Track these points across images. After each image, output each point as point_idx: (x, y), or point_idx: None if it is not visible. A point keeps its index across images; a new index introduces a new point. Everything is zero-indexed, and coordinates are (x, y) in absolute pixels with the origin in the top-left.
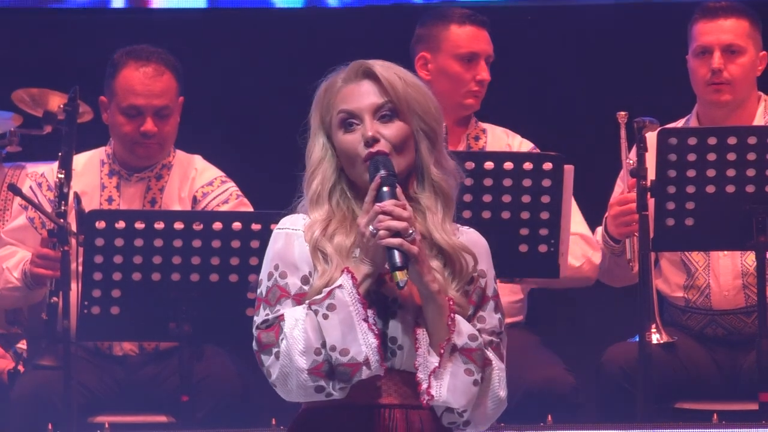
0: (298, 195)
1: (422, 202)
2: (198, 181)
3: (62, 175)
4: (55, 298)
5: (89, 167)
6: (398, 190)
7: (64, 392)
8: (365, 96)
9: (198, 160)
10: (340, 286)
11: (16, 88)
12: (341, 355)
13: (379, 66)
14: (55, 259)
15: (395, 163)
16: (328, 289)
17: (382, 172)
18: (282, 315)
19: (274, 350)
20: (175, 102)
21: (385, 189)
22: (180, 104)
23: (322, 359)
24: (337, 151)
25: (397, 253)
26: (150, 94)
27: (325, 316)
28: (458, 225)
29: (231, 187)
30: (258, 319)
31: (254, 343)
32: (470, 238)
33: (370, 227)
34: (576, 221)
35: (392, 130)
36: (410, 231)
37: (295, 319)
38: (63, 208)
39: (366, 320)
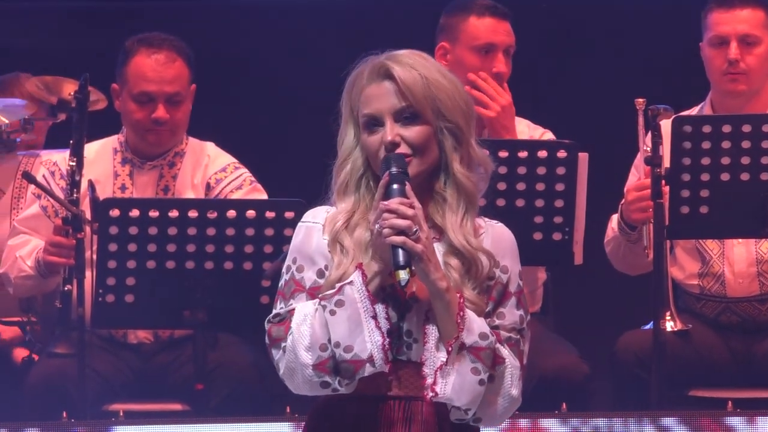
0: (328, 182)
1: (447, 200)
2: (211, 168)
3: (73, 163)
4: (68, 286)
5: (102, 155)
6: (407, 187)
7: (79, 380)
8: (385, 99)
9: (210, 147)
10: (350, 283)
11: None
12: (345, 351)
13: (400, 66)
14: (68, 247)
15: (417, 165)
16: (338, 285)
17: (393, 170)
18: (293, 310)
19: (282, 345)
20: (187, 89)
21: (394, 186)
22: (192, 92)
23: (327, 355)
24: (363, 147)
25: (400, 252)
26: (161, 81)
27: (333, 312)
28: (484, 219)
29: (244, 173)
30: (272, 313)
31: (266, 337)
32: (496, 232)
33: (377, 225)
34: None
35: (413, 132)
36: (414, 229)
37: (304, 315)
38: (75, 195)
39: (374, 317)
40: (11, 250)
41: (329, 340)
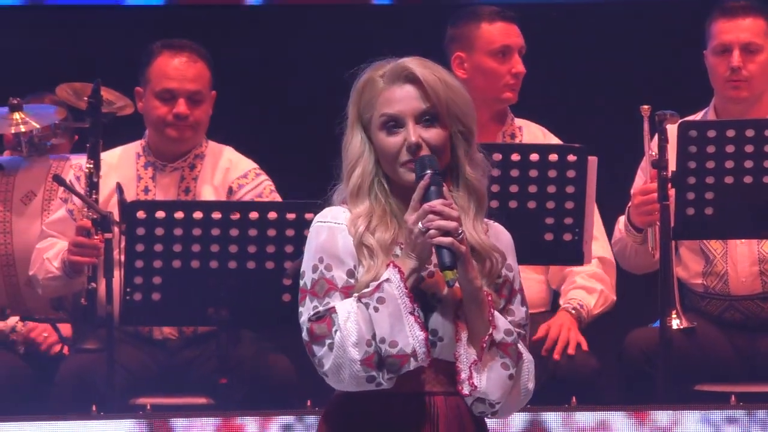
0: (333, 183)
1: (457, 201)
2: (233, 173)
3: (91, 165)
4: (93, 284)
5: (125, 160)
6: (445, 189)
7: (107, 375)
8: (408, 101)
9: (230, 151)
10: (388, 280)
11: (60, 83)
12: (390, 347)
13: (422, 69)
14: (90, 247)
15: None
16: (376, 283)
17: (429, 172)
18: (333, 307)
19: (327, 342)
20: (208, 90)
21: (433, 188)
22: (212, 98)
23: (373, 350)
24: (376, 149)
25: (446, 253)
26: (183, 79)
27: (376, 309)
28: (485, 219)
29: (265, 180)
30: (307, 311)
31: (305, 334)
32: (495, 231)
33: (419, 225)
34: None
35: (433, 134)
36: (460, 231)
37: (348, 312)
38: (94, 196)
39: (412, 313)
40: (39, 253)
41: (373, 336)
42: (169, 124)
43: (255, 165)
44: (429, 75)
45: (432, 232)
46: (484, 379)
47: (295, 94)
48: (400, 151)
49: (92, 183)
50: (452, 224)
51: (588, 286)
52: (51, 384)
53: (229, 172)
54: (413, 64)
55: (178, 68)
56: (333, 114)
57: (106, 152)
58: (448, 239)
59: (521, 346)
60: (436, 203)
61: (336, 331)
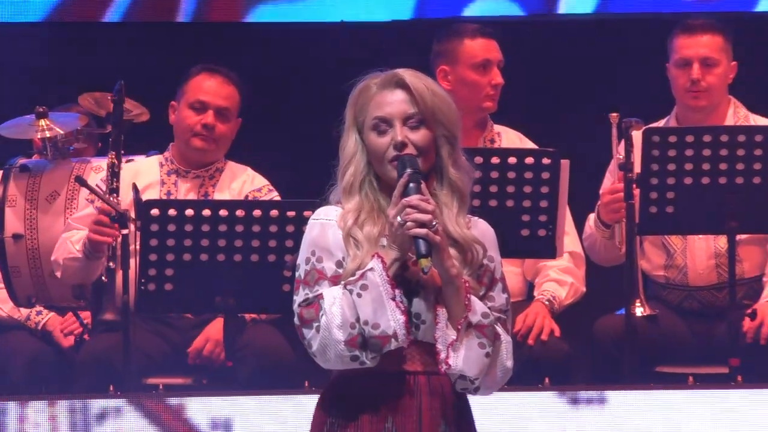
0: (330, 183)
1: (440, 198)
2: (248, 186)
3: (113, 156)
4: (112, 263)
5: (149, 168)
6: (423, 186)
7: (124, 357)
8: (397, 104)
9: (249, 170)
10: (371, 269)
11: (83, 93)
12: (373, 329)
13: (412, 77)
14: (110, 227)
15: (420, 165)
16: (361, 271)
17: (409, 170)
18: (321, 294)
19: (315, 325)
20: (235, 111)
21: (411, 185)
22: (238, 123)
23: (356, 332)
24: (367, 149)
25: (422, 242)
26: (216, 95)
27: (359, 295)
28: (469, 216)
29: (275, 195)
30: (299, 298)
31: (296, 319)
32: (479, 227)
33: (399, 218)
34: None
35: (419, 136)
36: (434, 223)
37: (333, 297)
38: (115, 184)
39: (394, 299)
40: (63, 240)
41: (357, 320)
42: (197, 134)
43: (267, 182)
44: (418, 83)
45: (409, 224)
46: (461, 358)
47: (296, 105)
48: (387, 151)
49: (114, 172)
50: (427, 217)
51: (560, 279)
52: (72, 366)
53: (246, 185)
54: (404, 73)
55: (212, 85)
56: (328, 122)
57: (129, 163)
58: (423, 230)
59: (499, 328)
60: (413, 198)
61: (322, 315)
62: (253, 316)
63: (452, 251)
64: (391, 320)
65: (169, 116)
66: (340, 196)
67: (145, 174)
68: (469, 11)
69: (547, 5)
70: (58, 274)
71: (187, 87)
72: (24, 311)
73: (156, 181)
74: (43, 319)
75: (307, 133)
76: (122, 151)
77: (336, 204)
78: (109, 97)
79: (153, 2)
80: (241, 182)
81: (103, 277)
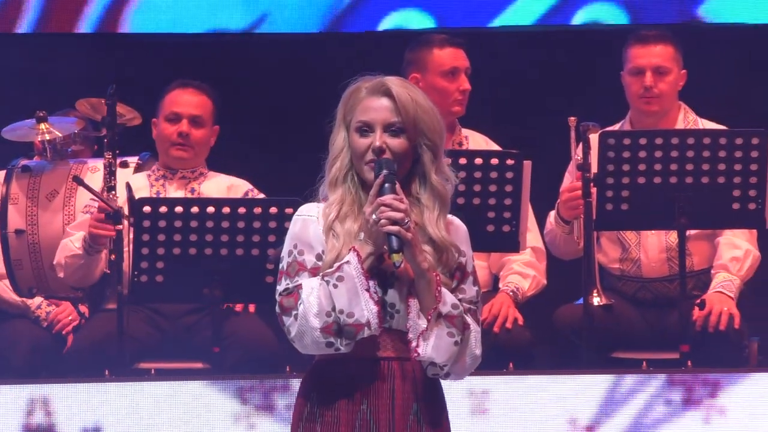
0: (320, 176)
1: (422, 201)
2: (233, 193)
3: (110, 155)
4: (113, 255)
5: (139, 177)
6: (397, 186)
7: (118, 343)
8: (381, 111)
9: (226, 177)
10: (347, 262)
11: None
12: (348, 317)
13: (398, 87)
14: (109, 222)
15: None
16: (337, 263)
17: (385, 171)
18: (300, 284)
19: (294, 313)
20: (209, 117)
21: (386, 185)
22: (215, 131)
23: (332, 320)
24: (350, 147)
25: (394, 239)
26: (188, 105)
27: (335, 286)
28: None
29: (261, 195)
30: (280, 288)
31: (277, 307)
32: (455, 225)
33: (374, 216)
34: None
35: (397, 143)
36: (406, 220)
37: (311, 288)
38: (113, 182)
39: (368, 290)
40: (63, 243)
41: (333, 309)
42: (175, 143)
43: (250, 185)
44: (403, 93)
45: (383, 221)
46: (431, 346)
47: (284, 108)
48: (367, 152)
49: (111, 172)
50: (399, 215)
51: (523, 272)
52: (69, 353)
53: (231, 191)
54: (393, 82)
55: (184, 97)
56: (309, 128)
57: (120, 171)
58: (395, 227)
59: (469, 318)
60: (387, 197)
61: (301, 303)
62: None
63: (429, 250)
64: (365, 310)
65: (152, 132)
66: (326, 188)
67: (135, 180)
68: (385, 24)
69: (458, 18)
70: (61, 275)
71: (163, 102)
72: (31, 303)
73: (145, 185)
74: (44, 312)
75: (290, 136)
76: (117, 151)
77: (322, 197)
78: (102, 101)
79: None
80: (225, 187)
81: (106, 269)
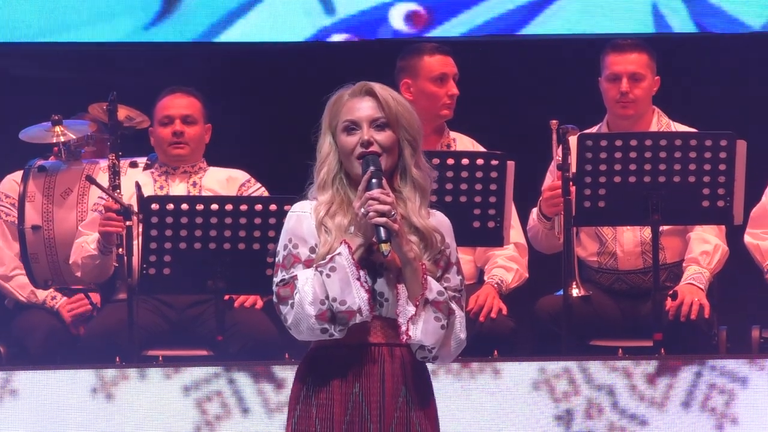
0: (309, 182)
1: (404, 193)
2: (232, 184)
3: (113, 157)
4: (121, 250)
5: (143, 175)
6: (384, 181)
7: (128, 332)
8: (365, 109)
9: (223, 170)
10: (339, 253)
11: (93, 103)
12: (340, 305)
13: (379, 87)
14: (117, 219)
15: (383, 162)
16: (330, 255)
17: (372, 168)
18: (296, 275)
19: (290, 302)
20: (200, 116)
21: (374, 180)
22: (208, 128)
23: (326, 308)
24: (338, 149)
25: (382, 229)
26: (178, 107)
27: (328, 276)
28: (430, 209)
29: (260, 187)
30: (277, 279)
31: (274, 297)
32: (438, 218)
33: (362, 209)
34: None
35: (383, 136)
36: (392, 212)
37: (306, 278)
38: (117, 181)
39: (359, 279)
40: (78, 244)
41: (327, 297)
42: (171, 142)
43: (248, 175)
44: (383, 92)
45: (371, 214)
46: (419, 330)
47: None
48: (356, 147)
49: (115, 172)
50: (386, 207)
51: (507, 266)
52: (82, 341)
53: (230, 182)
54: (373, 84)
55: (173, 100)
56: (306, 129)
57: (128, 171)
58: (382, 219)
59: (454, 305)
60: (375, 192)
61: (296, 293)
62: (244, 302)
63: (414, 238)
64: (356, 297)
65: (150, 140)
66: (315, 191)
67: (140, 179)
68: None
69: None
70: (78, 273)
71: (156, 110)
72: (40, 296)
73: (149, 182)
74: (56, 303)
75: (290, 138)
76: (120, 153)
77: (312, 199)
78: (104, 107)
79: None
80: (225, 179)
81: (114, 263)
